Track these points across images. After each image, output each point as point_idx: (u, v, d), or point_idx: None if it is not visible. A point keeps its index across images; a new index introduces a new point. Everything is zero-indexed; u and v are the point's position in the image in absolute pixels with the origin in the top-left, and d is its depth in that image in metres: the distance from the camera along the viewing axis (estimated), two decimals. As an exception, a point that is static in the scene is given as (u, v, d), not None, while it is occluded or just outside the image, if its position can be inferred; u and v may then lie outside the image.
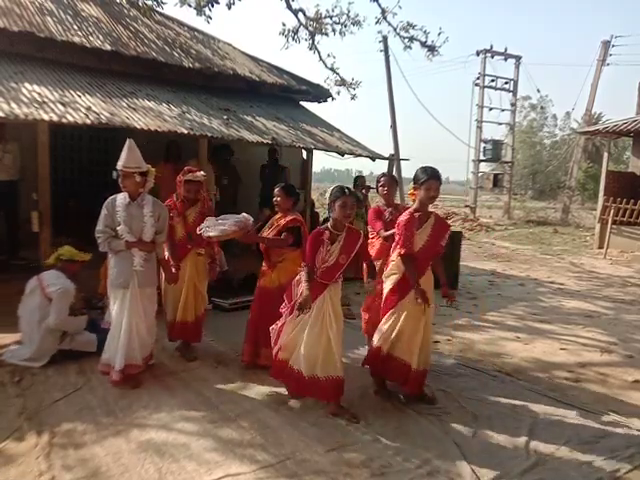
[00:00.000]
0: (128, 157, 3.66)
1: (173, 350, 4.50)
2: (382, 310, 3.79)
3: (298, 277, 3.53)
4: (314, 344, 3.41)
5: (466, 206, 22.42)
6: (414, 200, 3.72)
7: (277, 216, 4.29)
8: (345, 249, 3.46)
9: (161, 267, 4.07)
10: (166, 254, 4.19)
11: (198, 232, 3.99)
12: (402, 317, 3.62)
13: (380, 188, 4.58)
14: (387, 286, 3.77)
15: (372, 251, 4.33)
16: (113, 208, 3.70)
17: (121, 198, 3.75)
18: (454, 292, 3.83)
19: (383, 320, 3.74)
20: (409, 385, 3.68)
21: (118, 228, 3.68)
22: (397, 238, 3.67)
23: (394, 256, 3.72)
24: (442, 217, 3.86)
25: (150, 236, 3.79)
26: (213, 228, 3.91)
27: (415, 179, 3.66)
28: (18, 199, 6.64)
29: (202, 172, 4.45)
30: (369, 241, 4.40)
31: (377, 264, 4.21)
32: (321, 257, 3.43)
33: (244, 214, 4.05)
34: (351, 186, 8.06)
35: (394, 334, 3.66)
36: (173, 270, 4.13)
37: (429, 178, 3.58)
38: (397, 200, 5.20)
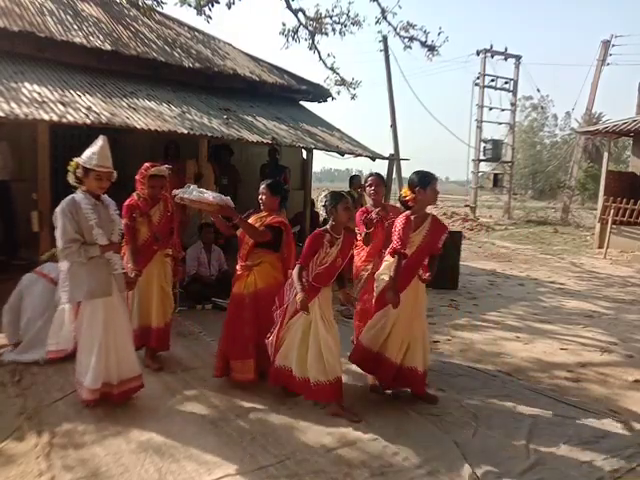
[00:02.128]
0: (106, 156, 3.31)
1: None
2: (373, 309, 3.78)
3: (291, 279, 3.51)
4: (302, 349, 3.44)
5: (466, 206, 22.43)
6: (410, 206, 3.67)
7: (262, 214, 4.00)
8: (342, 252, 3.50)
9: None
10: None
11: (173, 194, 3.81)
12: (393, 318, 3.61)
13: (367, 188, 4.50)
14: (378, 286, 3.74)
15: (363, 254, 4.32)
16: (78, 211, 3.26)
17: (83, 199, 3.31)
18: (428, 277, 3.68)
19: (374, 319, 3.72)
20: (413, 387, 3.73)
21: (93, 232, 3.28)
22: (393, 238, 3.64)
23: (388, 257, 3.71)
24: (439, 219, 3.83)
25: (117, 236, 3.48)
26: (191, 193, 3.73)
27: (414, 183, 3.60)
28: (12, 199, 6.60)
29: (166, 166, 4.20)
30: (357, 243, 4.31)
31: (369, 268, 4.24)
32: (319, 259, 3.43)
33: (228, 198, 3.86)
34: (347, 186, 8.10)
35: (385, 334, 3.66)
36: (132, 275, 3.68)
37: (433, 178, 3.61)
38: (397, 200, 5.17)
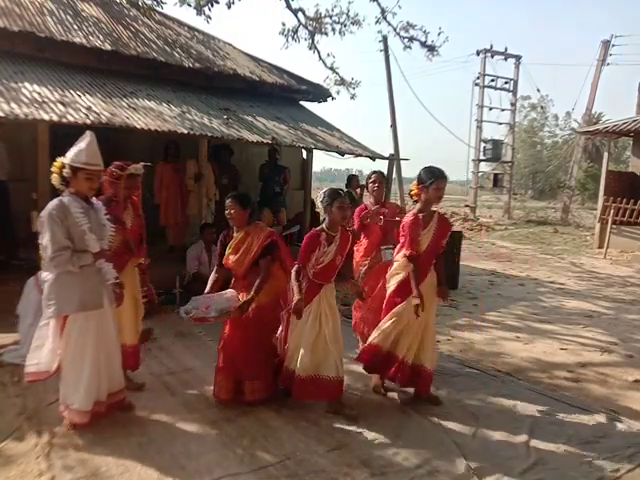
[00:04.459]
0: (95, 153, 3.00)
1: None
2: (384, 309, 3.80)
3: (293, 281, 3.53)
4: (313, 346, 3.44)
5: (466, 206, 22.43)
6: (417, 201, 3.72)
7: (239, 235, 3.60)
8: (340, 250, 3.51)
9: None
10: None
11: (183, 315, 3.39)
12: (404, 317, 3.62)
13: (371, 184, 4.54)
14: (391, 286, 3.78)
15: (361, 249, 4.36)
16: (67, 215, 2.94)
17: (72, 202, 2.99)
18: (448, 291, 3.88)
19: (385, 319, 3.74)
20: (419, 385, 3.73)
21: (85, 237, 2.98)
22: (402, 239, 3.69)
23: (399, 256, 3.73)
24: (444, 216, 3.86)
25: (106, 243, 3.18)
26: (212, 308, 3.38)
27: (421, 180, 3.64)
28: (9, 200, 6.58)
29: (141, 163, 3.73)
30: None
31: (366, 262, 4.29)
32: (315, 258, 3.44)
33: (230, 290, 3.58)
34: (344, 186, 8.10)
35: (395, 333, 3.68)
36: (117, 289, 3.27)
37: (438, 177, 3.57)
38: (397, 199, 5.18)
